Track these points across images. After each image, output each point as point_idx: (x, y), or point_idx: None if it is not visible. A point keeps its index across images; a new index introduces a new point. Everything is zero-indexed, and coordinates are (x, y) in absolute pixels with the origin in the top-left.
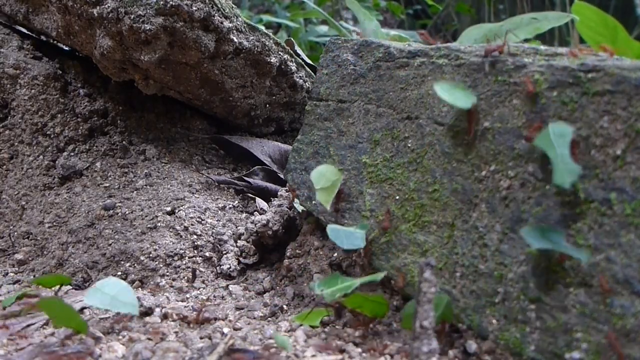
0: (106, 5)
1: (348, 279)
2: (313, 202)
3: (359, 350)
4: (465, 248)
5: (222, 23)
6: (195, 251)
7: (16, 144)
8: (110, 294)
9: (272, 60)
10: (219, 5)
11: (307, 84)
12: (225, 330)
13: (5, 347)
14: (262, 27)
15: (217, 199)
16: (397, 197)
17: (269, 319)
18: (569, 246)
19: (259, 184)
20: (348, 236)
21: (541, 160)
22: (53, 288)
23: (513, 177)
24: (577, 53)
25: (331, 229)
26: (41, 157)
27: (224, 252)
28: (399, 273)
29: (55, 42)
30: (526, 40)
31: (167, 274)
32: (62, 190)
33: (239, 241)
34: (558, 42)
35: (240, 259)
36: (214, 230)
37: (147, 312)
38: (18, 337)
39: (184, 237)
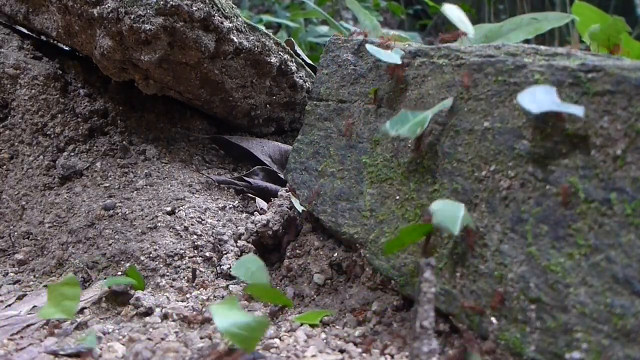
0: (106, 5)
1: (418, 112)
2: (313, 202)
3: (359, 350)
4: (466, 248)
5: (222, 23)
6: (196, 251)
7: (16, 144)
8: (252, 269)
9: (272, 60)
10: (219, 5)
11: (307, 84)
12: None
13: (5, 347)
14: (262, 27)
15: (217, 199)
16: (397, 197)
17: (269, 319)
18: (565, 104)
19: (259, 184)
20: (387, 54)
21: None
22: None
23: (513, 177)
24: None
25: (369, 46)
26: (41, 157)
27: (224, 252)
28: None
29: (55, 42)
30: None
31: (167, 274)
32: (62, 190)
33: (239, 241)
34: (558, 42)
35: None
36: (214, 230)
37: (147, 312)
38: (18, 337)
39: (184, 237)
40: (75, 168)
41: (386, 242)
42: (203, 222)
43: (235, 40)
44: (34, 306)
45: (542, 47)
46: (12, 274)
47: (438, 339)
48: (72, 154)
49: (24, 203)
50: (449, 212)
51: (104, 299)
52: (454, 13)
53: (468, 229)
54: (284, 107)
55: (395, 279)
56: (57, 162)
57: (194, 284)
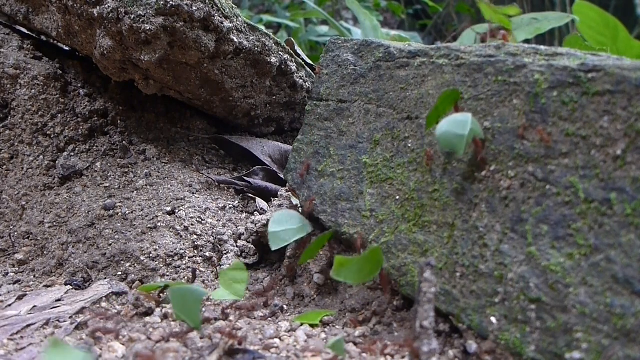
0: (106, 5)
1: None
2: (313, 202)
3: (359, 350)
4: (466, 248)
5: (222, 23)
6: (196, 251)
7: (16, 144)
8: (283, 227)
9: (272, 60)
10: (219, 5)
11: (307, 84)
12: (226, 330)
13: (5, 347)
14: (262, 27)
15: (217, 199)
16: (397, 197)
17: (269, 319)
18: None
19: (259, 184)
20: None
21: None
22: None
23: (513, 177)
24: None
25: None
26: (41, 157)
27: (224, 252)
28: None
29: (55, 42)
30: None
31: (168, 274)
32: (62, 190)
33: (239, 241)
34: (558, 42)
35: (241, 259)
36: (214, 230)
37: (147, 312)
38: (18, 337)
39: (184, 237)
40: (75, 168)
41: (427, 117)
42: (203, 222)
43: (236, 40)
44: (34, 306)
45: (542, 47)
46: (12, 274)
47: (438, 339)
48: (72, 154)
49: (24, 203)
50: (454, 132)
51: (104, 299)
52: None
53: (476, 140)
54: (284, 107)
55: (395, 279)
56: (57, 162)
57: (194, 284)
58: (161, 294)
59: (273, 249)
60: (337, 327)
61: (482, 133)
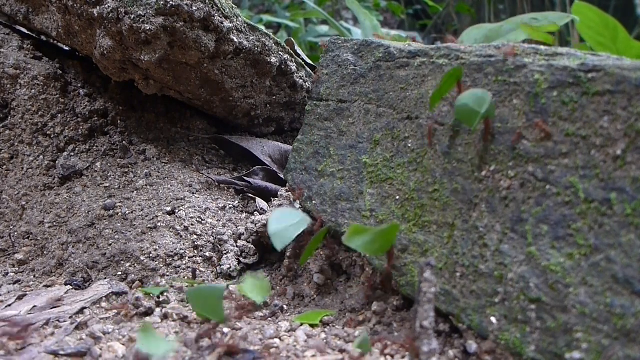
0: (106, 5)
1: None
2: (313, 202)
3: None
4: (466, 248)
5: (222, 23)
6: (196, 251)
7: (16, 144)
8: (284, 225)
9: (272, 60)
10: (219, 5)
11: (307, 84)
12: (225, 330)
13: (5, 347)
14: (262, 27)
15: (217, 199)
16: (397, 197)
17: (269, 319)
18: None
19: (259, 184)
20: None
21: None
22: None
23: (513, 177)
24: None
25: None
26: (41, 157)
27: (224, 252)
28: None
29: (55, 42)
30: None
31: (168, 274)
32: (62, 190)
33: (239, 241)
34: (558, 42)
35: (241, 259)
36: (214, 230)
37: (147, 312)
38: (18, 337)
39: (184, 237)
40: (75, 168)
41: (431, 96)
42: (203, 222)
43: (235, 40)
44: (34, 306)
45: (542, 47)
46: (12, 274)
47: (438, 339)
48: (72, 154)
49: (24, 203)
50: (471, 107)
51: (104, 299)
52: None
53: (487, 119)
54: (284, 107)
55: (395, 279)
56: (57, 162)
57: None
58: (160, 296)
59: (279, 249)
60: (337, 327)
61: (495, 112)
